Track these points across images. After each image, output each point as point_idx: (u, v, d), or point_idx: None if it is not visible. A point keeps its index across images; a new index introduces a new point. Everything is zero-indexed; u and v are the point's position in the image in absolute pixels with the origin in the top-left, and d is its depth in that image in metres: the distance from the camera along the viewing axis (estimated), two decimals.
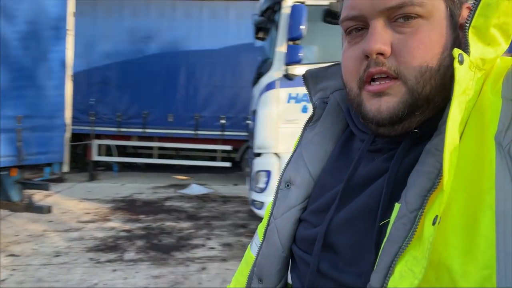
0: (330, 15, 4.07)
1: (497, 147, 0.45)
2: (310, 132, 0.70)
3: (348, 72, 0.58)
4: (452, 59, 0.49)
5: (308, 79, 0.74)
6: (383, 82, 0.53)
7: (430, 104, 0.53)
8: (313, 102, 0.73)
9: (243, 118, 8.06)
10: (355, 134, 0.65)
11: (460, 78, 0.47)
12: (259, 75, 4.94)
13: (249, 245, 0.91)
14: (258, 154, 4.51)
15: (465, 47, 0.49)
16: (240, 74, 8.41)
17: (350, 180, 0.59)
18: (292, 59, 4.02)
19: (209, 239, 4.69)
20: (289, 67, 4.08)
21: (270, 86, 4.31)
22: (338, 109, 0.69)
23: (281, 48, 4.19)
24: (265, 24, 4.82)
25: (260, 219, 5.61)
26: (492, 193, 0.44)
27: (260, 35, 5.23)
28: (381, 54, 0.52)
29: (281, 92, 4.24)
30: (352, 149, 0.65)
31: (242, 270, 0.87)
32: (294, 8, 3.97)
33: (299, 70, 4.08)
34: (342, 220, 0.57)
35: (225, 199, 6.90)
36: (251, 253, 0.86)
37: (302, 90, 4.25)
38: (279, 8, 4.28)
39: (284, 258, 0.66)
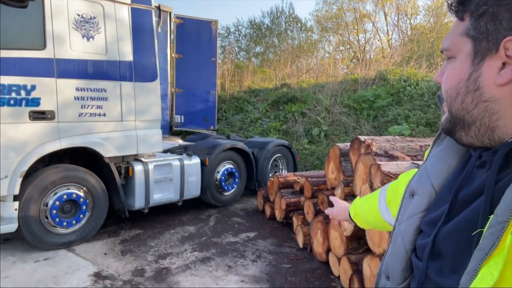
0: None
1: None
2: (437, 148, 0.82)
3: None
4: (467, 89, 0.65)
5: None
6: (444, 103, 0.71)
7: (465, 122, 0.66)
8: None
9: None
10: (471, 152, 0.72)
11: None
12: None
13: (378, 191, 1.17)
14: None
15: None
16: None
17: (457, 196, 0.66)
18: None
19: None
20: None
21: None
22: None
23: None
24: None
25: None
26: None
27: None
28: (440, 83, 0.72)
29: None
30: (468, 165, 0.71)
31: (364, 202, 1.24)
32: None
33: None
34: (448, 231, 0.65)
35: None
36: (376, 197, 1.16)
37: None
38: None
39: (407, 259, 0.76)
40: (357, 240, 3.29)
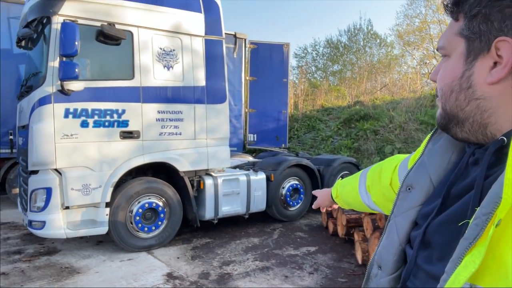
0: (101, 35, 4.37)
1: None
2: (435, 144, 0.82)
3: None
4: (460, 87, 0.67)
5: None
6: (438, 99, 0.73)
7: (459, 119, 0.68)
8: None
9: (3, 133, 7.10)
10: (466, 148, 0.75)
11: None
12: (28, 88, 4.61)
13: (359, 175, 1.25)
14: (34, 172, 4.27)
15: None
16: None
17: (449, 191, 0.70)
18: (67, 75, 4.04)
19: None
20: (64, 82, 4.08)
21: (44, 101, 4.18)
22: None
23: (54, 63, 4.14)
24: (30, 35, 4.56)
25: (40, 240, 4.93)
26: None
27: (23, 43, 4.88)
28: (435, 81, 0.74)
29: (57, 107, 4.21)
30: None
31: (345, 183, 1.32)
32: (65, 25, 4.03)
33: (76, 85, 4.18)
34: (439, 222, 0.67)
35: None
36: (357, 180, 1.23)
37: (80, 105, 4.28)
38: (48, 22, 4.19)
39: (400, 251, 0.77)
40: None
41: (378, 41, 21.54)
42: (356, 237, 4.59)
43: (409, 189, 0.80)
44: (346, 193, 1.33)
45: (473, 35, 0.65)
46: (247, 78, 9.30)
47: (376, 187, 1.15)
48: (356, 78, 17.09)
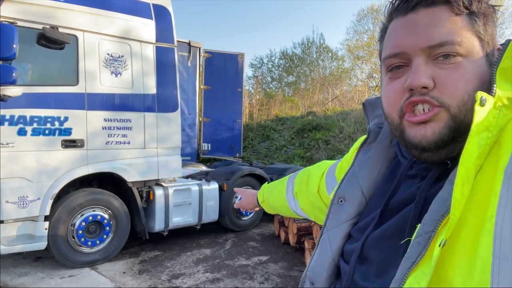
0: (43, 39, 4.14)
1: (504, 178, 0.50)
2: (365, 155, 0.78)
3: (390, 103, 0.64)
4: (489, 93, 0.55)
5: (367, 106, 0.84)
6: (428, 110, 0.58)
7: (467, 133, 0.56)
8: (369, 126, 0.81)
9: None
10: (400, 160, 0.71)
11: (479, 119, 0.52)
12: None
13: (286, 180, 1.22)
14: None
15: (491, 86, 0.56)
16: None
17: (387, 204, 0.67)
18: (4, 79, 3.82)
19: None
20: (1, 87, 3.89)
21: None
22: (391, 135, 0.75)
23: None
24: None
25: None
26: (492, 220, 0.49)
27: None
28: (425, 87, 0.58)
29: None
30: (398, 174, 0.69)
31: (272, 188, 1.29)
32: (2, 27, 3.81)
33: (13, 91, 3.97)
34: (377, 237, 0.64)
35: None
36: (284, 186, 1.20)
37: (17, 112, 4.09)
38: None
39: (334, 266, 0.74)
40: None
41: (330, 54, 22.35)
42: (306, 245, 4.64)
43: (341, 201, 0.77)
44: (273, 198, 1.30)
45: (483, 36, 0.60)
46: (202, 87, 9.22)
47: (303, 194, 1.12)
48: (310, 89, 17.59)
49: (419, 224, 0.55)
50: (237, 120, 9.55)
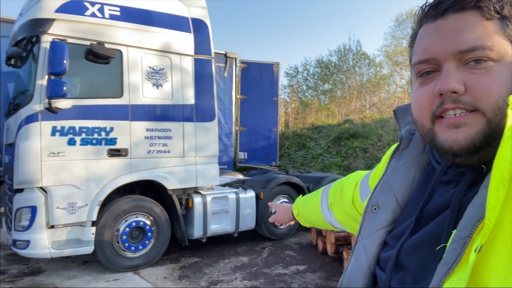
0: (91, 54, 4.41)
1: None
2: (397, 161, 0.78)
3: (420, 109, 0.64)
4: None
5: (398, 113, 0.84)
6: (459, 115, 0.58)
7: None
8: (400, 133, 0.81)
9: None
10: (434, 165, 0.71)
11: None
12: (15, 106, 4.62)
13: (320, 192, 1.23)
14: (19, 190, 4.25)
15: None
16: None
17: (422, 210, 0.66)
18: (55, 93, 4.08)
19: None
20: (52, 100, 4.11)
21: (31, 119, 4.20)
22: (423, 141, 0.75)
23: (42, 81, 4.17)
24: (20, 54, 4.64)
25: (25, 260, 4.83)
26: None
27: (12, 62, 4.97)
28: (455, 92, 0.57)
29: (44, 125, 4.20)
30: (433, 180, 0.69)
31: (307, 201, 1.29)
32: (54, 44, 4.09)
33: (63, 103, 4.20)
34: (412, 244, 0.64)
35: None
36: (319, 198, 1.20)
37: (67, 123, 4.29)
38: (38, 41, 4.24)
39: (370, 274, 0.73)
40: None
41: (367, 61, 21.98)
42: (345, 255, 4.57)
43: (375, 209, 0.77)
44: (307, 211, 1.30)
45: None
46: (238, 96, 9.38)
47: (338, 205, 1.12)
48: (346, 97, 17.34)
49: (455, 230, 0.54)
50: (273, 129, 9.61)
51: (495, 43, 0.58)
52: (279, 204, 1.51)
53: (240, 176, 7.29)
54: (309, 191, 6.41)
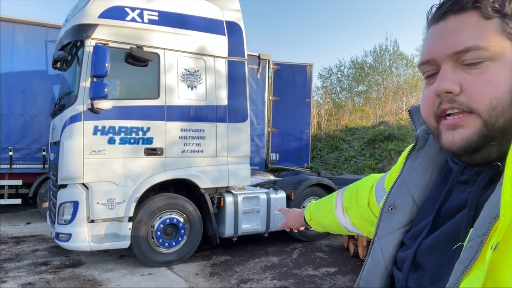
0: (130, 57, 4.64)
1: None
2: (414, 161, 0.77)
3: (425, 109, 0.66)
4: None
5: (413, 113, 0.84)
6: (457, 116, 0.60)
7: (506, 135, 0.57)
8: (416, 133, 0.82)
9: (36, 149, 7.47)
10: (451, 165, 0.70)
11: None
12: (61, 106, 4.83)
13: (334, 196, 1.20)
14: (63, 186, 4.44)
15: None
16: (31, 102, 7.53)
17: (440, 210, 0.66)
18: (97, 94, 4.28)
19: (4, 282, 4.31)
20: (94, 101, 4.36)
21: (75, 119, 4.41)
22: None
23: (85, 83, 4.36)
24: (65, 57, 4.88)
25: (66, 252, 5.11)
26: None
27: (58, 65, 5.24)
28: (450, 92, 0.59)
29: (87, 125, 4.44)
30: (450, 179, 0.69)
31: (320, 206, 1.26)
32: (97, 48, 4.30)
33: (104, 104, 4.42)
34: (430, 244, 0.64)
35: (18, 240, 6.20)
36: (333, 202, 1.18)
37: (108, 123, 4.49)
38: (82, 45, 4.44)
39: (387, 275, 0.74)
40: None
41: (404, 61, 21.37)
42: None
43: (391, 209, 0.76)
44: (321, 216, 1.28)
45: None
46: (270, 98, 9.44)
47: (353, 209, 1.10)
48: (382, 98, 16.95)
49: (472, 229, 0.55)
50: (305, 131, 9.59)
51: (491, 42, 0.58)
52: (289, 209, 1.48)
53: (271, 177, 7.34)
54: None
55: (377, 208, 0.99)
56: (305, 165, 9.49)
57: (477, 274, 0.51)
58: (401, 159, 0.85)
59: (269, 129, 9.42)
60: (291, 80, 9.60)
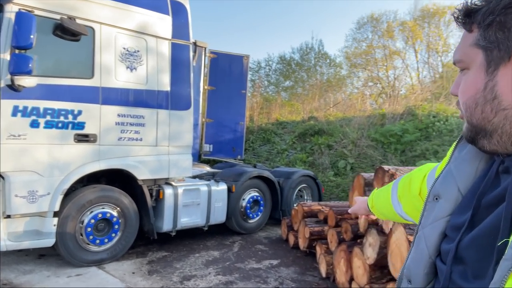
0: (60, 29, 3.99)
1: None
2: (461, 151, 0.79)
3: None
4: (485, 99, 0.64)
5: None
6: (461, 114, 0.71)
7: (487, 131, 0.65)
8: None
9: None
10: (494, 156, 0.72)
11: None
12: None
13: (391, 185, 1.22)
14: None
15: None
16: None
17: (480, 201, 0.67)
18: (18, 69, 3.67)
19: None
20: (15, 77, 3.72)
21: None
22: None
23: (4, 55, 3.77)
24: None
25: None
26: None
27: None
28: (456, 95, 0.72)
29: (4, 104, 3.76)
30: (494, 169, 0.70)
31: (380, 194, 1.29)
32: (20, 15, 3.70)
33: (28, 81, 3.80)
34: (471, 237, 0.65)
35: None
36: (389, 190, 1.20)
37: (31, 103, 3.91)
38: (1, 11, 3.86)
39: (431, 263, 0.74)
40: (381, 270, 3.31)
41: (328, 61, 22.47)
42: (318, 250, 4.58)
43: (436, 199, 0.77)
44: (380, 203, 1.30)
45: (490, 45, 0.63)
46: (206, 87, 9.13)
47: (406, 197, 1.12)
48: (308, 94, 17.62)
49: None
50: (240, 122, 9.47)
51: (464, 55, 0.69)
52: (358, 198, 1.50)
53: (208, 168, 7.11)
54: (280, 186, 6.39)
55: None
56: (239, 157, 9.39)
57: None
58: (450, 149, 0.85)
59: (203, 120, 9.11)
60: (227, 70, 9.39)
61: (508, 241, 0.54)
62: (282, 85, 22.69)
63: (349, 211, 1.51)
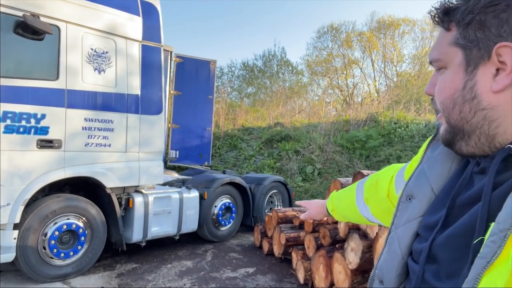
0: (23, 27, 3.70)
1: None
2: (434, 151, 0.78)
3: None
4: (463, 98, 0.63)
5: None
6: (440, 114, 0.69)
7: (465, 132, 0.64)
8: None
9: None
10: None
11: None
12: None
13: (355, 187, 1.19)
14: None
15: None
16: None
17: (455, 201, 0.66)
18: None
19: None
20: None
21: None
22: None
23: None
24: None
25: None
26: None
27: None
28: (430, 95, 0.72)
29: None
30: (468, 169, 0.69)
31: (341, 197, 1.26)
32: None
33: None
34: (445, 236, 0.63)
35: None
36: (354, 193, 1.18)
37: None
38: None
39: (403, 264, 0.74)
40: (362, 274, 3.33)
41: (290, 68, 22.86)
42: (295, 256, 4.56)
43: (409, 199, 0.77)
44: (343, 206, 1.27)
45: (470, 44, 0.62)
46: (172, 92, 8.91)
47: (373, 199, 1.10)
48: (272, 101, 17.77)
49: (493, 223, 0.53)
50: (207, 128, 9.33)
51: (442, 54, 0.67)
52: (310, 201, 1.42)
53: (176, 175, 6.89)
54: (251, 192, 6.33)
55: (396, 199, 0.97)
56: (206, 163, 9.23)
57: (499, 270, 0.49)
58: (422, 148, 0.83)
59: (169, 125, 8.86)
60: (194, 75, 9.23)
61: (483, 239, 0.53)
62: (245, 92, 22.77)
63: (303, 216, 1.41)
